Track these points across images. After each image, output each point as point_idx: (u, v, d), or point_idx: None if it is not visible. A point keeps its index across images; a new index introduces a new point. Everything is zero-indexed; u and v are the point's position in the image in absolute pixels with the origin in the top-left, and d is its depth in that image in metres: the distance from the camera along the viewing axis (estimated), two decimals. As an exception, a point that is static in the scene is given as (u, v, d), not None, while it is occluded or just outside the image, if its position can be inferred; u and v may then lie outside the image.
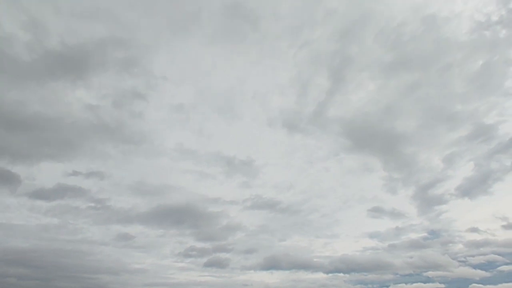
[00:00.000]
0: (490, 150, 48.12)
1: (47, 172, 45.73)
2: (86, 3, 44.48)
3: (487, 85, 49.48)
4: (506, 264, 45.10)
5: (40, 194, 44.95)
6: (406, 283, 46.13)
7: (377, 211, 49.95)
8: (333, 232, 50.37)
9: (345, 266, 45.82)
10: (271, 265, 45.59)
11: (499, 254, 46.19)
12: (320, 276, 45.75)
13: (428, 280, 46.19)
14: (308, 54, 50.90)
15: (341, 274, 45.87)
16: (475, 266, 46.53)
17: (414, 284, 45.94)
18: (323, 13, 49.92)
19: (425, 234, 49.03)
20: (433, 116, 50.03)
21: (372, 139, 50.47)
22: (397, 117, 50.49)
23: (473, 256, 46.80)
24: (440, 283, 45.58)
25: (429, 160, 50.89)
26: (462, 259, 47.03)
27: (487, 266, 46.23)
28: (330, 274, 46.07)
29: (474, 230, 48.01)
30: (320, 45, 50.58)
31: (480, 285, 44.24)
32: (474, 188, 48.94)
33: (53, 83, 43.53)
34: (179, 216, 47.17)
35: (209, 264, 45.32)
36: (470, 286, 44.28)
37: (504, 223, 46.94)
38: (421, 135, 50.34)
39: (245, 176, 50.23)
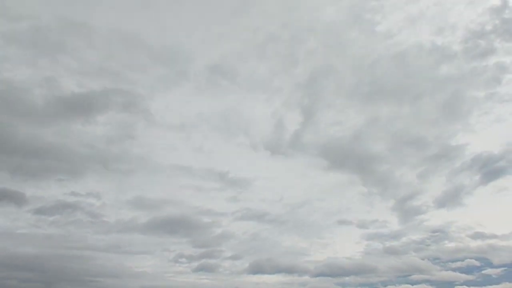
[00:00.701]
0: (457, 168, 54.19)
1: (52, 192, 49.43)
2: (92, 62, 51.21)
3: (455, 112, 56.15)
4: (489, 267, 49.19)
5: (44, 210, 48.07)
6: (393, 284, 49.41)
7: (359, 221, 53.85)
8: (319, 239, 53.90)
9: (332, 271, 49.17)
10: (260, 269, 48.97)
11: (476, 259, 50.11)
12: (308, 279, 48.89)
13: (414, 282, 49.36)
14: (280, 98, 58.56)
15: (329, 278, 48.99)
16: (455, 270, 50.25)
17: (403, 285, 49.30)
18: (292, 61, 58.58)
19: (406, 241, 52.59)
20: (403, 139, 56.46)
21: (347, 159, 56.17)
22: (369, 141, 56.85)
23: (452, 261, 50.50)
24: (426, 284, 48.79)
25: (404, 176, 56.01)
26: (442, 264, 50.71)
27: (467, 270, 49.89)
28: (318, 278, 49.13)
29: (451, 238, 52.14)
30: (290, 90, 58.72)
31: (464, 287, 48.08)
32: (449, 200, 53.46)
33: (63, 120, 49.71)
34: (176, 226, 50.87)
35: (202, 268, 48.75)
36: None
37: (476, 231, 51.49)
38: (393, 155, 56.28)
39: (236, 190, 54.17)
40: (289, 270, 49.26)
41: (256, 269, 48.56)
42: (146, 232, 49.98)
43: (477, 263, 50.30)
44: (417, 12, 59.04)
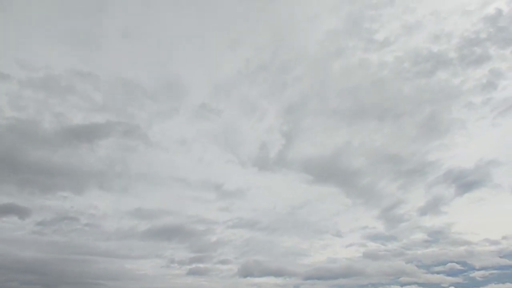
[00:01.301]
0: (432, 181, 58.65)
1: (56, 204, 52.53)
2: (97, 101, 56.76)
3: (432, 131, 61.43)
4: (471, 270, 52.84)
5: (48, 220, 51.01)
6: (383, 286, 52.57)
7: (347, 228, 57.78)
8: (309, 245, 57.26)
9: (323, 274, 52.30)
10: (251, 273, 52.12)
11: (457, 263, 53.63)
12: (299, 282, 51.88)
13: (403, 284, 52.47)
14: (268, 120, 63.82)
15: (320, 281, 51.93)
16: (439, 272, 53.51)
17: (392, 286, 52.38)
18: (280, 87, 64.41)
19: (392, 247, 56.19)
20: (381, 155, 61.11)
21: (330, 174, 60.69)
22: (350, 157, 61.51)
23: (435, 265, 53.86)
24: (415, 286, 52.03)
25: (385, 188, 60.46)
26: (426, 267, 53.95)
27: (451, 273, 53.24)
28: (309, 280, 52.05)
29: (433, 243, 55.74)
30: (278, 112, 64.17)
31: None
32: (430, 209, 57.57)
33: (70, 145, 54.33)
34: (173, 233, 54.40)
35: (198, 272, 51.72)
36: (444, 290, 51.54)
37: (456, 238, 55.26)
38: (372, 170, 60.85)
39: (229, 201, 58.04)
40: (280, 273, 52.41)
41: (248, 273, 51.78)
42: (145, 239, 53.33)
43: (459, 267, 53.90)
44: (414, 21, 62.58)
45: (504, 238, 53.15)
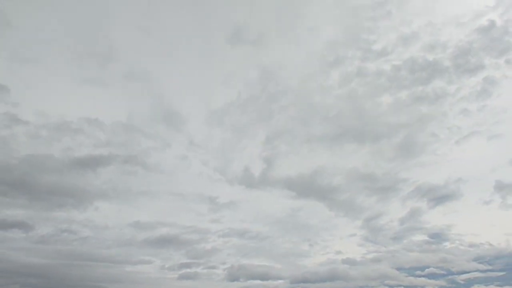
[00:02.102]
0: (404, 195, 64.06)
1: (62, 217, 56.94)
2: (101, 141, 62.65)
3: (406, 151, 67.84)
4: (450, 275, 56.74)
5: (54, 231, 55.29)
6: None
7: (332, 236, 62.37)
8: (295, 252, 61.27)
9: (308, 277, 55.83)
10: (238, 277, 56.47)
11: (435, 268, 57.64)
12: (286, 284, 55.56)
13: (390, 286, 56.07)
14: (255, 142, 69.92)
15: (306, 284, 55.35)
16: (420, 276, 57.37)
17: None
18: (268, 115, 71.23)
19: (376, 253, 60.35)
20: (357, 174, 66.66)
21: (312, 190, 65.57)
22: (329, 176, 66.86)
23: (415, 270, 57.87)
24: None
25: (364, 202, 65.69)
26: (407, 271, 57.94)
27: (433, 276, 57.09)
28: (295, 284, 55.55)
29: (413, 250, 60.14)
30: (266, 136, 69.97)
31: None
32: (408, 219, 62.55)
33: (76, 172, 59.86)
34: (169, 242, 58.74)
35: (190, 276, 55.50)
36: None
37: (433, 245, 60.19)
38: (351, 186, 66.30)
39: (220, 213, 62.92)
40: (266, 277, 56.18)
41: (236, 277, 55.86)
42: (144, 247, 57.27)
43: (440, 271, 57.60)
44: (410, 32, 68.10)
45: (480, 244, 58.50)
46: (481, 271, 56.82)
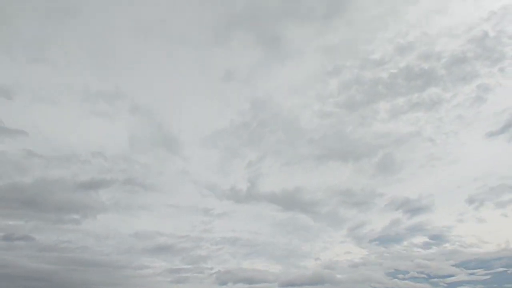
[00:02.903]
0: (380, 208, 68.24)
1: (65, 228, 61.75)
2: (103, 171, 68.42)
3: (385, 169, 72.71)
4: (431, 278, 59.82)
5: (57, 240, 59.90)
6: None
7: (318, 243, 66.65)
8: (286, 257, 64.90)
9: (294, 281, 59.18)
10: (226, 281, 60.18)
11: (417, 272, 61.02)
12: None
13: None
14: (244, 161, 74.79)
15: (293, 287, 58.80)
16: (404, 279, 60.60)
17: None
18: (258, 138, 76.77)
19: (361, 260, 64.08)
20: (337, 189, 71.67)
21: (295, 204, 70.06)
22: (311, 192, 71.18)
23: (399, 273, 61.24)
24: None
25: (346, 214, 69.79)
26: (392, 275, 61.17)
27: (416, 280, 60.23)
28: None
29: (395, 257, 64.11)
30: (256, 156, 75.11)
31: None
32: (389, 229, 66.80)
33: (81, 192, 64.85)
34: (167, 250, 63.24)
35: (184, 280, 59.51)
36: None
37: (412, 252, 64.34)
38: (332, 200, 70.71)
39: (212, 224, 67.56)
40: (255, 281, 59.68)
41: (225, 281, 59.66)
42: (143, 254, 61.73)
43: (418, 275, 61.00)
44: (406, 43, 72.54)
45: (456, 251, 62.27)
46: (464, 275, 59.91)
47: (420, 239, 64.53)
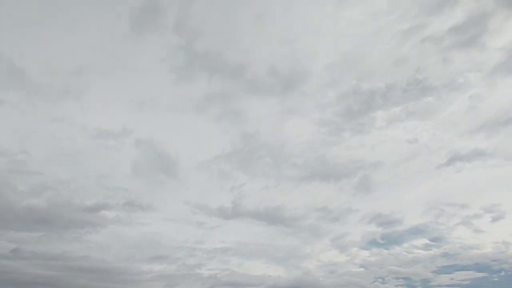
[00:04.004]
0: (355, 222, 74.64)
1: (68, 237, 67.61)
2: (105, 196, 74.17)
3: (361, 188, 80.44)
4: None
5: (60, 253, 65.54)
6: None
7: (302, 253, 72.31)
8: (273, 264, 69.86)
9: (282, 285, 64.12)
10: (216, 284, 66.27)
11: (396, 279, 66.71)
12: None
13: None
14: (235, 183, 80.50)
15: None
16: (385, 283, 66.58)
17: None
18: (248, 163, 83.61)
19: (344, 267, 69.86)
20: (314, 207, 77.85)
21: (278, 220, 76.24)
22: (293, 209, 77.58)
23: (383, 277, 67.03)
24: None
25: (326, 226, 75.61)
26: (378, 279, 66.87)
27: (398, 284, 65.93)
28: None
29: (377, 264, 69.89)
30: (246, 179, 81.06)
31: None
32: (367, 238, 73.16)
33: (85, 213, 70.69)
34: (164, 258, 68.91)
35: (180, 284, 65.43)
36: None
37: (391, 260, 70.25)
38: (311, 216, 76.45)
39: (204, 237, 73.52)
40: (243, 285, 65.52)
41: (212, 285, 65.85)
42: (141, 263, 67.46)
43: (402, 281, 66.67)
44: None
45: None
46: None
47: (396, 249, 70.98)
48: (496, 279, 65.03)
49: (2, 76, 70.75)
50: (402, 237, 72.77)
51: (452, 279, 66.36)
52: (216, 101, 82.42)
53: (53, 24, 76.85)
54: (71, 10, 76.27)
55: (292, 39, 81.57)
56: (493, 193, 70.61)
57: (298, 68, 78.11)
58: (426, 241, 71.44)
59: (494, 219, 68.76)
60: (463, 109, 74.72)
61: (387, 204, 75.80)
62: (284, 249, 73.38)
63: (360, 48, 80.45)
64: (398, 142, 79.09)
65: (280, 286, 63.74)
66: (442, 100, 75.27)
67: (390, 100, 77.62)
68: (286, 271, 68.35)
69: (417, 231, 72.50)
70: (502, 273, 64.79)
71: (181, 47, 72.97)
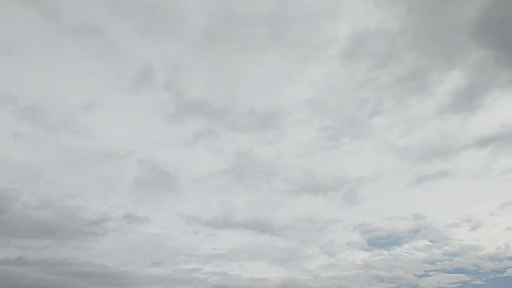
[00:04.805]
0: (341, 230, 79.74)
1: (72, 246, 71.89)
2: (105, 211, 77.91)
3: (347, 200, 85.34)
4: None
5: (63, 260, 69.49)
6: None
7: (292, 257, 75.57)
8: (262, 269, 73.52)
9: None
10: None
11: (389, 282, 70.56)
12: None
13: None
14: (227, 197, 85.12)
15: None
16: (373, 285, 70.49)
17: None
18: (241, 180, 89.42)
19: (331, 272, 73.36)
20: (300, 218, 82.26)
21: (266, 230, 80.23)
22: (280, 220, 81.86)
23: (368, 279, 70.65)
24: None
25: (314, 233, 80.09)
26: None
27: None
28: None
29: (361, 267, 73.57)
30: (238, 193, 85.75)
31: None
32: (354, 242, 77.69)
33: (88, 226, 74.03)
34: (161, 263, 72.78)
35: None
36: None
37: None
38: (298, 226, 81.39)
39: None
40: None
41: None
42: (140, 267, 71.37)
43: (384, 285, 70.57)
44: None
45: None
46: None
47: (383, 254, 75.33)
48: (478, 282, 69.56)
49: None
50: (386, 243, 77.37)
51: (439, 282, 70.15)
52: (203, 137, 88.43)
53: (67, 71, 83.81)
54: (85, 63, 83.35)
55: (266, 87, 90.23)
56: (468, 205, 77.65)
57: (272, 108, 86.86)
58: (416, 244, 76.35)
59: (473, 228, 74.52)
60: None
61: (371, 214, 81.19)
62: (273, 255, 77.50)
63: (323, 93, 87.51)
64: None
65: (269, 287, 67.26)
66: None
67: (356, 132, 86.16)
68: (277, 273, 72.35)
69: (400, 239, 77.60)
70: (484, 277, 69.80)
71: (171, 99, 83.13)
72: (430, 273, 71.11)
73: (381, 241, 77.46)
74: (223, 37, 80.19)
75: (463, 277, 70.12)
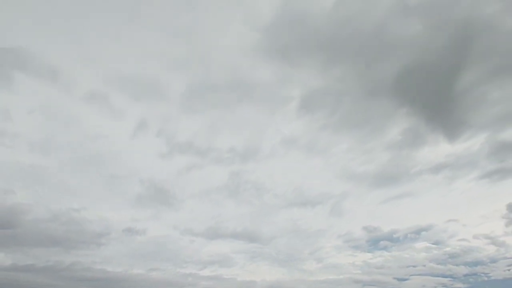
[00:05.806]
0: (329, 238, 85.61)
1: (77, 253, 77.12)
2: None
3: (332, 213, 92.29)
4: None
5: (68, 266, 75.05)
6: None
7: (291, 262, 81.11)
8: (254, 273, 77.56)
9: None
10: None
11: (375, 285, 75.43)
12: None
13: None
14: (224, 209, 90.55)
15: None
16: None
17: None
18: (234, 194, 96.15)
19: (324, 274, 78.48)
20: (291, 229, 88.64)
21: (255, 239, 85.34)
22: (270, 230, 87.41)
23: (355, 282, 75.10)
24: None
25: (300, 244, 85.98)
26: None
27: None
28: None
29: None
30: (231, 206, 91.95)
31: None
32: (344, 242, 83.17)
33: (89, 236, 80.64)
34: (160, 268, 77.19)
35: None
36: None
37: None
38: (287, 236, 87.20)
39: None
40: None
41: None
42: (139, 271, 75.94)
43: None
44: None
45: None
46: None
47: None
48: (460, 284, 74.22)
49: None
50: (370, 247, 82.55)
51: (424, 285, 74.94)
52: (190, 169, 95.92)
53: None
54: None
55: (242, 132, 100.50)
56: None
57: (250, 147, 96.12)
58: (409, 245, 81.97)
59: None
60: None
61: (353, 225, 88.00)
62: (263, 261, 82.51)
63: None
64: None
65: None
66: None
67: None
68: (268, 276, 77.66)
69: (388, 243, 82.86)
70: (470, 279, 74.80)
71: (163, 142, 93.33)
72: (411, 277, 75.71)
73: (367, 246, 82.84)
74: (200, 98, 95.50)
75: (444, 279, 74.62)
